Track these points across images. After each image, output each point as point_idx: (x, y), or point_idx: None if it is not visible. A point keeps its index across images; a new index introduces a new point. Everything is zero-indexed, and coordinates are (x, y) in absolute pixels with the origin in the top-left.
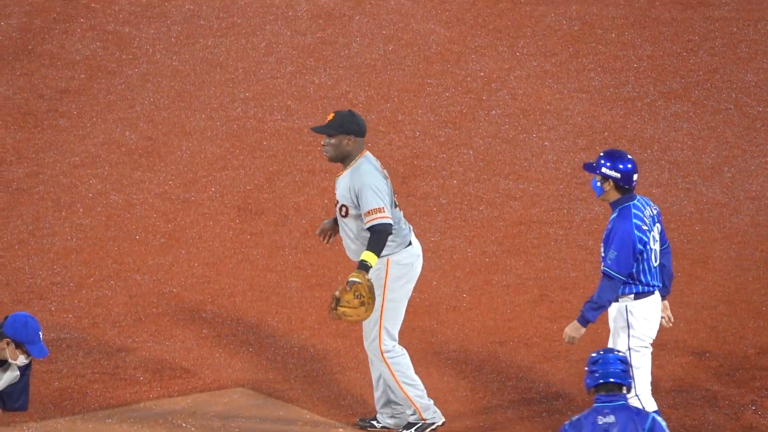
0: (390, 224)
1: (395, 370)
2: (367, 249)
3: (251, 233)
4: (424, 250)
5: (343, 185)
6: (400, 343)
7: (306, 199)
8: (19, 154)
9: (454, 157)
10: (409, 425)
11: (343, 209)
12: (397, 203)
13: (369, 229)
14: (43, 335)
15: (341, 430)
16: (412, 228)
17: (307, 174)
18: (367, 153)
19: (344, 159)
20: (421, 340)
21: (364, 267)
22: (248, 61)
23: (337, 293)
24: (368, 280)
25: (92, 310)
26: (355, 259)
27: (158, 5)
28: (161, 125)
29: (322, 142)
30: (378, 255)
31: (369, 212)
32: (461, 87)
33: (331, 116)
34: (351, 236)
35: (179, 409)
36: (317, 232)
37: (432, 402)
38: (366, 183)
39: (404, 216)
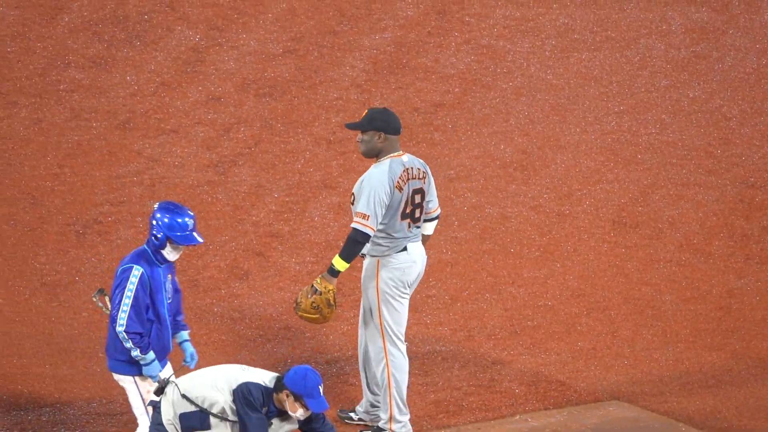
0: (367, 235)
1: (392, 373)
2: (339, 254)
3: (626, 246)
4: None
5: (360, 177)
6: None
7: (680, 212)
8: None
9: None
10: (378, 429)
11: (352, 197)
12: (409, 214)
13: (352, 227)
14: (323, 389)
15: None
16: (420, 236)
17: (681, 187)
18: (401, 157)
19: (376, 155)
20: None
21: (331, 272)
22: (622, 74)
23: (298, 297)
24: (330, 291)
25: (468, 323)
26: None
27: (533, 19)
28: (536, 139)
29: (356, 138)
30: (347, 262)
31: (356, 213)
32: None
33: (365, 113)
34: None
35: (555, 421)
36: None
37: (408, 419)
38: (368, 186)
39: None
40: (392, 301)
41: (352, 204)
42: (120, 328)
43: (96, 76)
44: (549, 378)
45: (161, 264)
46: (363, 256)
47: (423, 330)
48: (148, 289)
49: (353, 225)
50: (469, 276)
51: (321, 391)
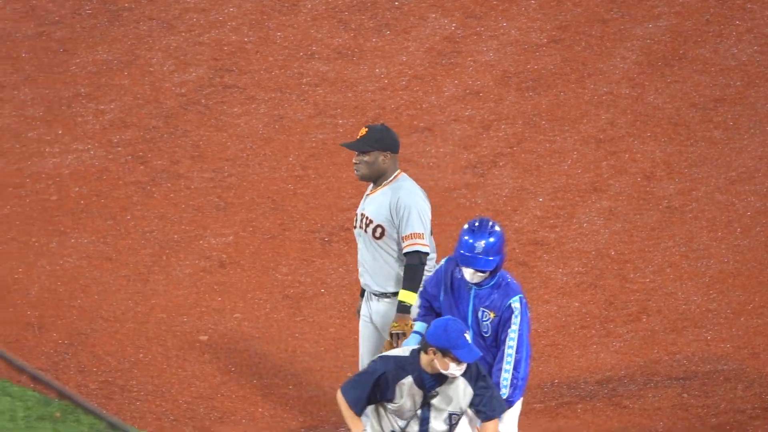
0: (427, 254)
1: None
2: (403, 287)
3: None
4: None
5: (380, 203)
6: None
7: None
8: (670, 168)
9: None
10: None
11: (378, 230)
12: (431, 231)
13: (406, 254)
14: (471, 336)
15: None
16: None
17: None
18: (404, 173)
19: (378, 178)
20: None
21: (404, 310)
22: None
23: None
24: (410, 326)
25: (752, 340)
26: (374, 287)
27: None
28: None
29: (353, 160)
30: (416, 292)
31: (410, 236)
32: None
33: (364, 131)
34: (381, 260)
35: None
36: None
37: None
38: (413, 203)
39: None
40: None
41: (378, 237)
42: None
43: (342, 68)
44: None
45: (470, 286)
46: (382, 295)
47: (703, 347)
48: (434, 281)
49: (410, 248)
50: (754, 288)
51: (469, 339)
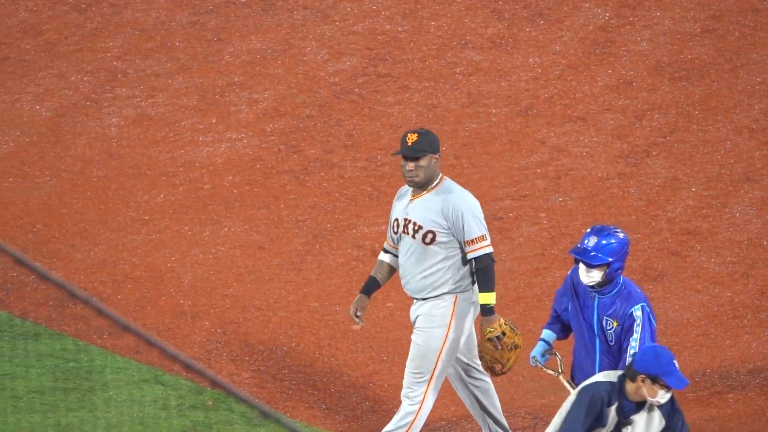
0: (492, 254)
1: (417, 425)
2: (480, 291)
3: None
4: None
5: (428, 209)
6: None
7: None
8: None
9: None
10: None
11: (429, 235)
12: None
13: (474, 260)
14: (678, 363)
15: None
16: None
17: None
18: (446, 177)
19: (429, 181)
20: None
21: (489, 312)
22: None
23: (497, 368)
24: (504, 322)
25: None
26: (417, 293)
27: None
28: None
29: (407, 168)
30: (493, 291)
31: (473, 240)
32: None
33: (414, 137)
34: (426, 265)
35: None
36: (354, 316)
37: None
38: (465, 207)
39: None
40: (456, 345)
41: (428, 242)
42: None
43: (495, 57)
44: None
45: (592, 294)
46: (423, 299)
47: None
48: (561, 291)
49: (477, 253)
50: None
51: (677, 366)
